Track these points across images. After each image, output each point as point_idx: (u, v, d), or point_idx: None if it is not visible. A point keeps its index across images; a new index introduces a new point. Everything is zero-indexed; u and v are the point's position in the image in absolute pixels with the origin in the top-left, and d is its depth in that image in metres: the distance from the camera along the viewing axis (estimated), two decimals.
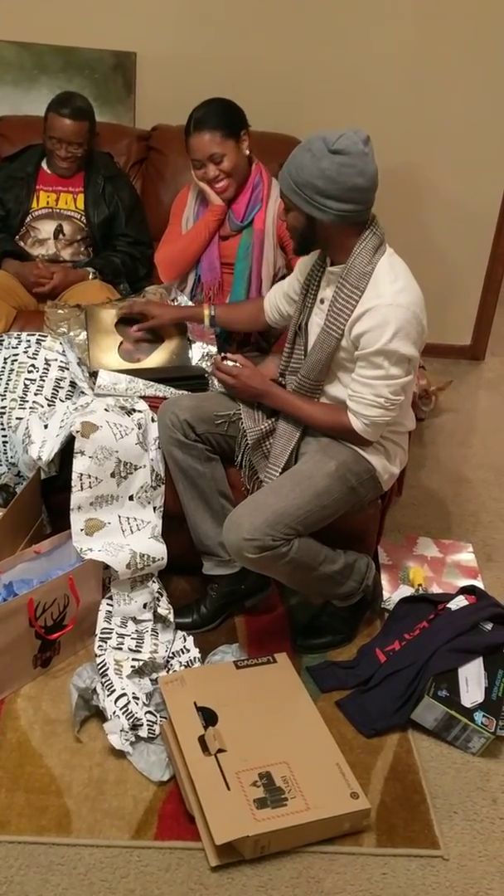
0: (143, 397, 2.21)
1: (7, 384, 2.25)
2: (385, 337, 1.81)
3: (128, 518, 2.10)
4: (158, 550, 2.09)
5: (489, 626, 2.05)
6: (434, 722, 1.93)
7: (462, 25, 3.29)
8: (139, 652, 1.99)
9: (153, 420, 2.16)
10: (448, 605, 2.14)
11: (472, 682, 1.94)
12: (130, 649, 1.99)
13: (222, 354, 2.10)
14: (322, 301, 1.97)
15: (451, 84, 3.40)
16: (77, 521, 2.04)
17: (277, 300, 2.18)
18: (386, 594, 2.32)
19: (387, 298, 1.82)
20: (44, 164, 2.80)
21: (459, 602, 2.14)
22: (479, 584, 2.39)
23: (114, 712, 1.84)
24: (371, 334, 1.83)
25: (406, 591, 2.33)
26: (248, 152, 2.47)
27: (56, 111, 2.65)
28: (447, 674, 1.95)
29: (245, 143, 2.45)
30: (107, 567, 2.06)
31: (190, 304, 2.51)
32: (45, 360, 2.27)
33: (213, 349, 2.41)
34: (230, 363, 2.03)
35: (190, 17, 3.19)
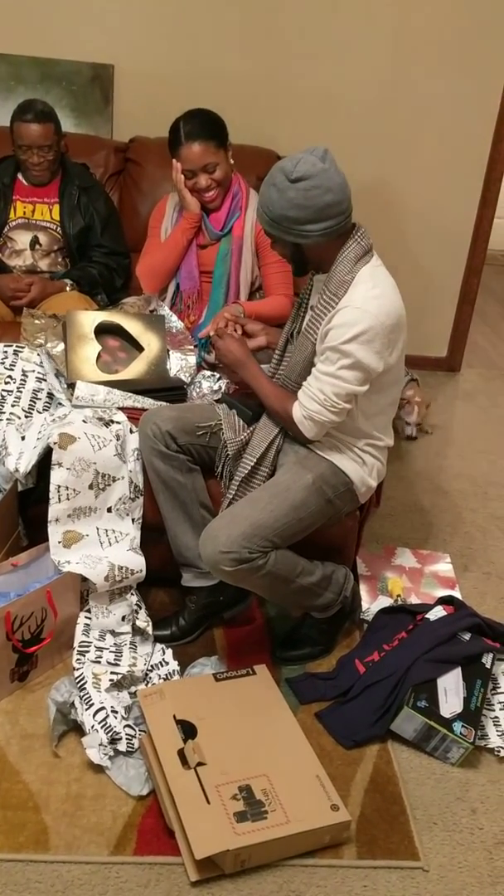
0: (122, 408, 2.20)
1: None
2: (345, 336, 1.82)
3: (106, 530, 2.09)
4: (137, 562, 2.08)
5: (467, 636, 2.06)
6: (413, 732, 1.93)
7: (436, 41, 3.34)
8: (118, 665, 1.98)
9: (131, 431, 2.16)
10: (426, 616, 2.15)
11: (450, 692, 1.95)
12: (109, 662, 1.98)
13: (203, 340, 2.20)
14: (312, 308, 1.99)
15: (426, 99, 3.44)
16: (55, 533, 2.02)
17: None
18: (365, 605, 2.32)
19: (357, 302, 1.83)
20: (20, 175, 2.79)
21: (438, 612, 2.15)
22: (456, 593, 2.41)
23: (92, 726, 1.82)
24: (333, 331, 1.85)
25: (385, 601, 2.34)
26: (232, 162, 2.50)
27: (20, 119, 2.65)
28: (426, 684, 1.95)
29: (230, 152, 2.48)
30: (85, 580, 2.05)
31: (170, 313, 2.52)
32: (23, 370, 2.26)
33: (192, 359, 2.41)
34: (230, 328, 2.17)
35: (167, 30, 3.20)
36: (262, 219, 1.87)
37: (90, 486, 2.05)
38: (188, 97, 2.66)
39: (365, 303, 1.83)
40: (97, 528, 2.07)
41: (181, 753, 1.75)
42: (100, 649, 2.01)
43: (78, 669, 1.94)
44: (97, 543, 2.06)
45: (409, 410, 3.34)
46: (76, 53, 3.19)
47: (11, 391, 2.23)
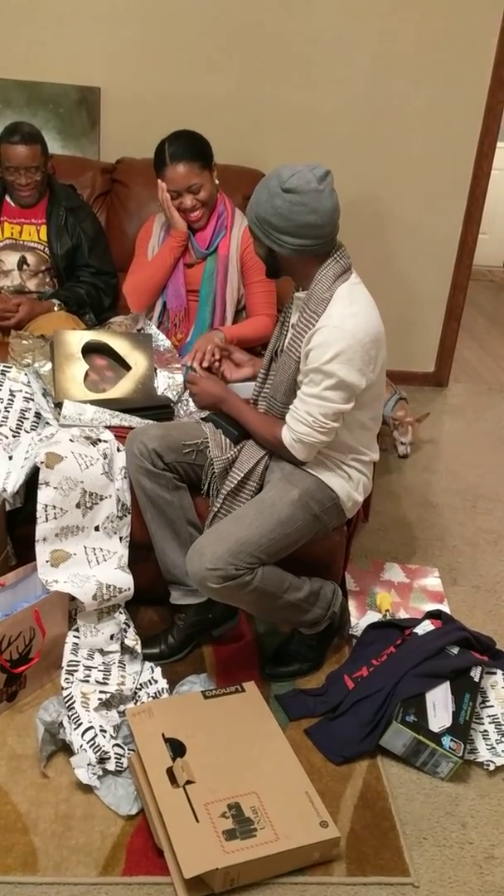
0: (109, 427, 2.21)
1: None
2: (325, 357, 1.84)
3: (94, 549, 2.09)
4: (125, 581, 2.08)
5: (455, 651, 2.07)
6: (402, 747, 1.93)
7: (418, 59, 3.38)
8: (106, 684, 1.98)
9: (119, 450, 2.17)
10: (415, 630, 2.15)
11: (439, 706, 1.95)
12: (97, 681, 1.98)
13: (189, 365, 2.23)
14: (293, 327, 2.01)
15: (409, 116, 3.48)
16: (42, 552, 2.03)
17: None
18: (353, 620, 2.32)
19: (334, 321, 1.85)
20: (7, 197, 2.82)
21: (426, 627, 2.16)
22: (444, 608, 2.41)
23: (81, 746, 1.81)
24: (314, 352, 1.87)
25: (373, 616, 2.34)
26: (217, 181, 2.52)
27: (7, 141, 2.68)
28: (415, 699, 1.95)
29: (215, 172, 2.51)
30: (73, 599, 2.05)
31: (157, 332, 2.53)
32: (10, 391, 2.26)
33: (179, 378, 2.42)
34: (194, 369, 2.20)
35: (153, 53, 3.24)
36: (249, 214, 1.90)
37: (77, 505, 2.06)
38: (174, 119, 2.69)
39: (342, 321, 1.84)
40: (85, 547, 2.08)
41: (170, 772, 1.75)
42: (88, 668, 2.00)
43: (66, 689, 1.94)
44: (85, 562, 2.06)
45: (404, 431, 3.35)
46: (62, 77, 3.22)
47: None
